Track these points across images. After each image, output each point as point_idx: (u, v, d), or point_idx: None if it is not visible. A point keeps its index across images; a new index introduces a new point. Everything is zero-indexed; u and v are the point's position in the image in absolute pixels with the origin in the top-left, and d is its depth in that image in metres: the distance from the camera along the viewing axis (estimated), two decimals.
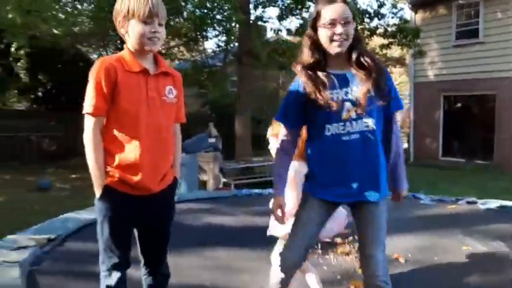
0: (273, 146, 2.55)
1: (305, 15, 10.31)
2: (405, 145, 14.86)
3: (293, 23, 10.94)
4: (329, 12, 1.89)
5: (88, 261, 3.02)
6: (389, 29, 10.37)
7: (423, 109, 13.41)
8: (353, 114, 1.90)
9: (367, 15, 10.23)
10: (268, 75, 17.24)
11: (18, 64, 13.48)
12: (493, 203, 4.96)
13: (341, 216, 2.60)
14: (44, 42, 10.53)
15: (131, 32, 1.77)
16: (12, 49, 11.99)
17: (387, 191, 2.03)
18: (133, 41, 1.78)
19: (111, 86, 1.72)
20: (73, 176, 10.48)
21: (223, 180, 8.21)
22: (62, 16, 8.13)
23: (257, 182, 8.61)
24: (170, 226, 2.01)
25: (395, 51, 16.72)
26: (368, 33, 10.60)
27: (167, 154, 1.91)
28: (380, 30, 10.49)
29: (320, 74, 1.93)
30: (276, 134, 2.45)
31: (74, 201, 7.25)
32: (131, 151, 1.77)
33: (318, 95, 1.90)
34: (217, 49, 11.49)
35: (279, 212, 2.04)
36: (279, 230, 2.47)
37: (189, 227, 3.99)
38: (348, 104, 1.90)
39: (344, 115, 1.90)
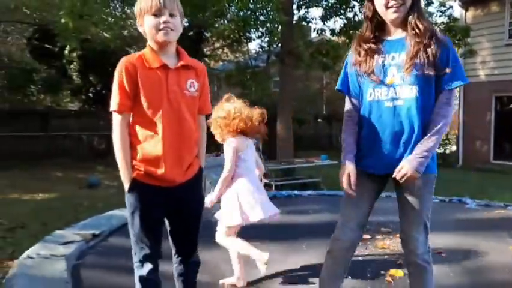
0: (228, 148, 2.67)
1: (349, 15, 10.15)
2: (454, 148, 14.34)
3: (337, 23, 10.91)
4: None
5: (129, 257, 3.12)
6: (437, 28, 10.00)
7: (473, 110, 12.87)
8: (397, 80, 1.86)
9: None
10: (311, 76, 17.15)
11: (71, 66, 14.10)
12: None
13: None
14: (95, 45, 10.99)
15: (146, 27, 1.84)
16: (66, 52, 12.61)
17: (431, 168, 1.91)
18: (148, 35, 1.85)
19: (133, 84, 1.81)
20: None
21: (265, 181, 8.21)
22: (111, 20, 8.42)
23: (298, 184, 8.59)
24: (200, 214, 2.05)
25: None
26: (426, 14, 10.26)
27: (191, 146, 1.96)
28: None
29: (368, 41, 1.93)
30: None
31: (120, 198, 7.45)
32: (154, 145, 1.83)
33: (364, 61, 1.91)
34: (260, 50, 11.52)
35: (345, 180, 1.96)
36: (224, 217, 2.65)
37: None
38: (393, 69, 1.87)
39: (388, 80, 1.87)
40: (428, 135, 1.84)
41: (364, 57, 1.92)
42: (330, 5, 10.25)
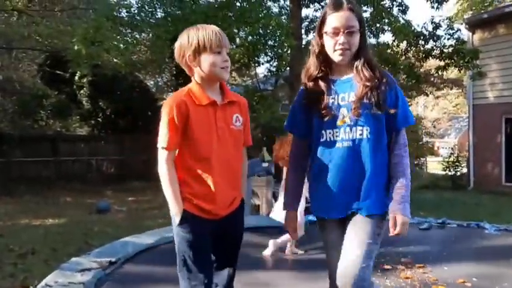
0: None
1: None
2: (464, 170, 14.20)
3: None
4: (332, 20, 1.85)
5: (146, 284, 3.10)
6: (445, 51, 10.04)
7: (483, 132, 12.80)
8: (347, 121, 1.85)
9: (421, 38, 9.99)
10: None
11: (81, 92, 14.28)
12: None
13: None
14: (105, 70, 11.13)
15: (204, 64, 1.83)
16: (76, 78, 12.79)
17: (380, 209, 1.86)
18: (205, 72, 1.84)
19: (183, 121, 1.80)
20: (130, 198, 10.81)
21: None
22: (122, 46, 8.55)
23: (309, 206, 8.48)
24: (238, 247, 2.03)
25: (451, 73, 16.21)
26: (423, 55, 10.34)
27: (237, 182, 1.97)
28: (436, 52, 10.18)
29: (320, 80, 1.92)
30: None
31: (130, 223, 7.46)
32: (204, 182, 1.83)
33: (316, 101, 1.90)
34: (269, 74, 11.63)
35: (290, 227, 2.04)
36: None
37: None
38: (343, 110, 1.86)
39: (339, 121, 1.86)
40: (398, 181, 1.84)
41: (315, 97, 1.90)
42: None
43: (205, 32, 1.81)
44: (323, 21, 1.90)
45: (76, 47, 7.96)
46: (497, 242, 4.54)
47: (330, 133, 1.88)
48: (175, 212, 1.84)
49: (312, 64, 1.95)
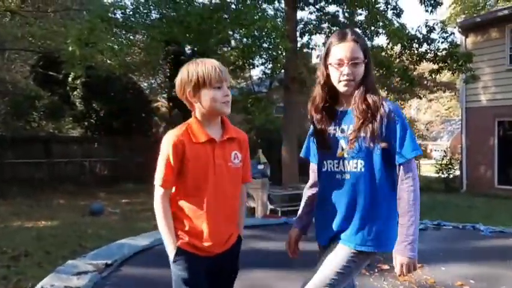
0: None
1: None
2: (457, 172, 14.29)
3: None
4: (337, 52, 1.85)
5: (142, 286, 3.07)
6: (439, 54, 10.11)
7: (475, 135, 12.90)
8: (345, 153, 1.86)
9: (416, 41, 10.06)
10: None
11: (74, 93, 14.21)
12: None
13: None
14: (99, 72, 11.08)
15: (204, 99, 1.81)
16: (70, 79, 12.72)
17: (354, 243, 1.83)
18: (205, 108, 1.82)
19: (179, 160, 1.79)
20: (123, 200, 10.76)
21: (270, 207, 8.15)
22: (116, 47, 8.51)
23: None
24: (235, 279, 2.02)
25: (444, 76, 16.32)
26: (417, 58, 10.41)
27: (234, 219, 1.95)
28: (430, 55, 10.25)
29: (324, 112, 1.93)
30: None
31: (124, 225, 7.42)
32: (199, 220, 1.82)
33: (318, 131, 1.93)
34: (263, 76, 11.64)
35: (285, 244, 2.06)
36: None
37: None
38: (342, 142, 1.87)
39: (338, 153, 1.88)
40: (401, 218, 1.80)
41: (318, 128, 1.93)
42: (332, 32, 10.40)
43: (204, 67, 1.79)
44: (327, 52, 1.89)
45: (70, 48, 7.91)
46: (492, 244, 4.58)
47: (330, 164, 1.90)
48: (169, 250, 1.83)
49: (317, 95, 1.95)
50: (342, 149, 1.86)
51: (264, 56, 9.64)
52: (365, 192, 1.82)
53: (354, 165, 1.83)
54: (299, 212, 2.10)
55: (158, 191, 1.83)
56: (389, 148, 1.81)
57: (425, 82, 15.69)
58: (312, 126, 1.99)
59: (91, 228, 7.21)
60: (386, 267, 3.63)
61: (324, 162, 1.92)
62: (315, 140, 1.97)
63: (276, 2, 10.31)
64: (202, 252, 1.83)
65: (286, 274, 3.57)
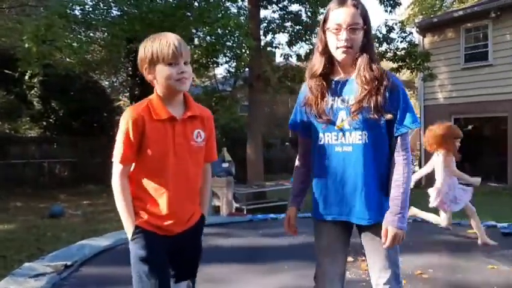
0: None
1: (314, 40, 10.42)
2: (417, 168, 14.73)
3: (303, 48, 11.17)
4: (335, 16, 1.78)
5: (102, 287, 3.00)
6: (398, 53, 10.41)
7: None
8: (346, 125, 1.79)
9: (376, 40, 10.30)
10: (278, 100, 17.38)
11: (32, 92, 13.72)
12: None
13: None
14: (58, 70, 10.73)
15: (159, 76, 1.77)
16: (26, 77, 12.25)
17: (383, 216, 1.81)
18: (161, 85, 1.79)
19: (138, 137, 1.75)
20: (85, 202, 10.48)
21: (236, 205, 8.15)
22: (76, 45, 8.26)
23: (269, 207, 8.55)
24: (197, 264, 1.99)
25: (403, 75, 16.77)
26: (377, 57, 10.63)
27: (195, 199, 1.92)
28: (390, 55, 10.53)
29: (321, 81, 1.85)
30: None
31: (86, 227, 7.23)
32: (159, 199, 1.79)
33: (314, 102, 1.85)
34: (228, 75, 11.62)
35: (285, 223, 2.03)
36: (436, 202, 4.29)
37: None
38: (342, 113, 1.81)
39: (338, 124, 1.81)
40: (396, 187, 1.78)
41: (315, 97, 1.85)
42: (295, 31, 10.50)
43: (159, 43, 1.74)
44: (326, 17, 1.83)
45: (26, 45, 7.62)
46: (450, 236, 4.74)
47: (328, 136, 1.83)
48: (127, 228, 1.79)
49: (316, 61, 1.88)
50: (342, 120, 1.80)
51: (228, 55, 9.62)
52: (369, 163, 1.78)
53: (359, 137, 1.77)
54: (293, 189, 2.04)
55: (116, 168, 1.78)
56: (393, 119, 1.78)
57: None
58: (307, 96, 1.89)
59: (51, 231, 6.99)
60: (350, 259, 3.69)
61: (321, 134, 1.84)
62: (312, 110, 1.86)
63: (239, 0, 10.34)
64: (162, 231, 1.80)
65: (250, 267, 3.59)
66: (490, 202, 9.64)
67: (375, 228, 1.82)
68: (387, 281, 1.83)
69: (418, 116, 14.48)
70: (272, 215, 5.73)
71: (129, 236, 1.79)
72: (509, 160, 11.56)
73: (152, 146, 1.76)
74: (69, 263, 3.40)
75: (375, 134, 1.78)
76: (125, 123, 1.75)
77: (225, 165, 7.60)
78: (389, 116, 1.77)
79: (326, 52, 1.85)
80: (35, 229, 7.16)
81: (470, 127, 13.03)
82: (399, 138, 1.80)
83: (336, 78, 1.86)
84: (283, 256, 3.84)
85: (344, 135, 1.80)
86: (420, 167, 14.11)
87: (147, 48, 1.76)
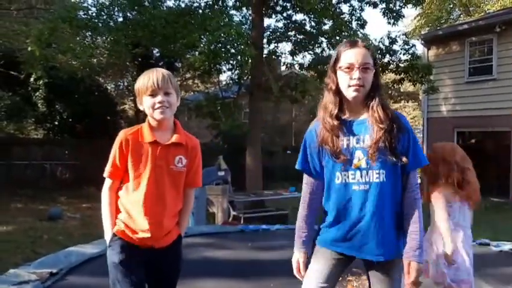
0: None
1: (317, 50, 10.45)
2: (418, 180, 14.65)
3: (306, 58, 11.21)
4: (347, 56, 1.85)
5: None
6: (401, 65, 10.39)
7: None
8: (363, 164, 1.83)
9: (379, 52, 10.28)
10: (281, 108, 17.38)
11: (37, 94, 13.82)
12: (507, 245, 4.83)
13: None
14: (62, 73, 10.82)
15: (144, 106, 2.03)
16: (31, 79, 12.36)
17: (397, 254, 1.87)
18: (147, 113, 2.02)
19: (124, 158, 2.01)
20: (84, 205, 10.51)
21: (233, 213, 8.13)
22: (79, 48, 8.33)
23: (267, 216, 8.53)
24: (177, 278, 2.13)
25: (408, 86, 16.75)
26: (380, 69, 10.62)
27: (172, 218, 2.08)
28: (392, 66, 10.51)
29: (334, 120, 1.88)
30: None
31: (83, 231, 7.24)
32: (136, 214, 1.98)
33: (329, 141, 1.86)
34: (231, 82, 11.65)
35: (295, 267, 2.03)
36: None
37: (188, 260, 3.96)
38: (359, 153, 1.85)
39: (355, 163, 1.84)
40: (413, 225, 1.83)
41: (328, 137, 1.87)
42: (298, 40, 10.52)
43: (144, 78, 2.00)
44: (337, 58, 1.89)
45: (29, 48, 7.71)
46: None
47: (345, 175, 1.85)
48: (106, 236, 1.99)
49: (329, 101, 1.91)
50: (359, 159, 1.83)
51: (231, 62, 9.65)
52: (387, 201, 1.83)
53: (376, 175, 1.82)
54: (304, 234, 2.02)
55: (106, 182, 2.06)
56: (406, 158, 1.84)
57: (390, 92, 16.07)
58: (323, 135, 1.90)
59: (48, 234, 7.01)
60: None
61: (338, 173, 1.87)
62: (329, 149, 1.87)
63: (244, 8, 10.37)
64: (138, 242, 1.97)
65: (236, 284, 3.56)
66: (492, 217, 9.58)
67: (386, 264, 1.87)
68: None
69: (421, 128, 14.46)
70: (264, 226, 5.71)
71: (107, 242, 1.98)
72: None
73: (134, 166, 1.99)
74: (54, 270, 3.41)
75: (391, 172, 1.84)
76: (116, 143, 2.02)
77: (221, 173, 7.61)
78: (404, 160, 1.83)
79: (339, 92, 1.90)
80: (32, 231, 7.18)
81: (473, 141, 12.96)
82: (410, 175, 1.88)
83: (348, 118, 1.91)
84: (271, 272, 3.80)
85: (361, 173, 1.84)
86: (422, 180, 13.99)
87: (138, 82, 2.04)
